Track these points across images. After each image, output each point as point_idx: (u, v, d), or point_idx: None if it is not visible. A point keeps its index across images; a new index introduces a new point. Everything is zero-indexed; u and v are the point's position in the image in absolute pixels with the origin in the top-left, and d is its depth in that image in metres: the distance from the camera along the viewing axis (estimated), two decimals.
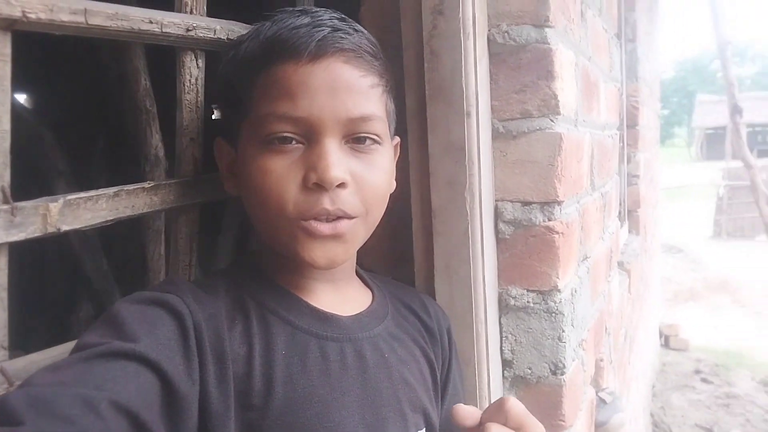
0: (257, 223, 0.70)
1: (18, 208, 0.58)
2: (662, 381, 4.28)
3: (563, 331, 0.89)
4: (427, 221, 0.89)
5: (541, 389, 0.89)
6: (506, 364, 0.91)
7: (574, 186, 0.99)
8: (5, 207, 0.57)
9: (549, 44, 0.88)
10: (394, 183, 0.76)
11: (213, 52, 0.80)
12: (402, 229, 0.94)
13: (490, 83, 0.91)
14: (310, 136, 0.64)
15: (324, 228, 0.64)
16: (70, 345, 0.59)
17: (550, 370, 0.89)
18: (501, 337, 0.91)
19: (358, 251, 0.74)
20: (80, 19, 0.61)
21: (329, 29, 0.65)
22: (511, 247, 0.91)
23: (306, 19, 0.66)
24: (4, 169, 0.58)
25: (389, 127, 0.73)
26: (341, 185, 0.64)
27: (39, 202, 0.60)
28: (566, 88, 0.95)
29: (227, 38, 0.79)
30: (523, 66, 0.90)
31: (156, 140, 1.76)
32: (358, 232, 0.68)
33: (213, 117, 0.81)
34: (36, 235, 0.60)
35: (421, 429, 0.70)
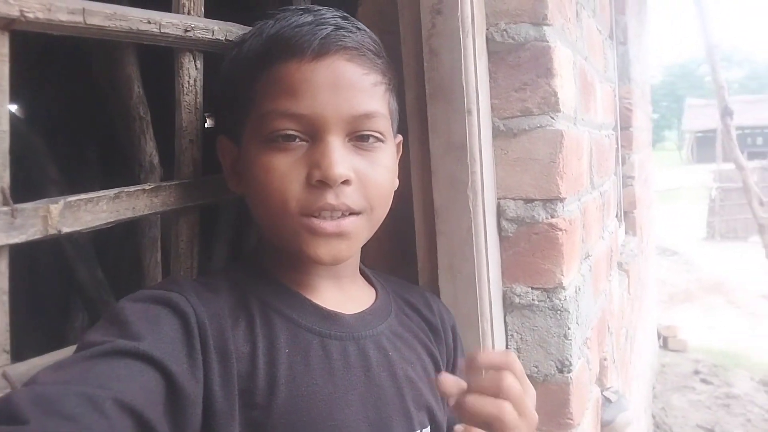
0: (261, 220, 0.70)
1: (18, 209, 0.57)
2: (662, 382, 4.28)
3: (569, 328, 0.88)
4: (430, 220, 0.89)
5: (548, 388, 0.89)
6: None
7: (575, 183, 0.99)
8: (5, 209, 0.56)
9: (548, 42, 0.89)
10: (397, 181, 0.76)
11: (211, 53, 0.80)
12: (405, 229, 0.93)
13: (490, 82, 0.91)
14: (313, 133, 0.64)
15: (328, 226, 0.64)
16: (72, 349, 0.58)
17: (557, 368, 0.88)
18: (506, 336, 0.90)
19: (361, 251, 0.74)
20: (78, 18, 0.61)
21: (332, 27, 0.66)
22: (514, 245, 0.90)
23: (309, 17, 0.66)
24: (3, 169, 0.57)
25: (392, 125, 0.73)
26: (345, 182, 0.64)
27: (39, 204, 0.59)
28: (565, 85, 0.95)
29: (225, 39, 0.79)
30: (522, 64, 0.90)
31: (150, 147, 1.74)
32: (362, 229, 0.68)
33: (206, 125, 0.81)
34: (37, 237, 0.59)
35: (426, 427, 0.70)
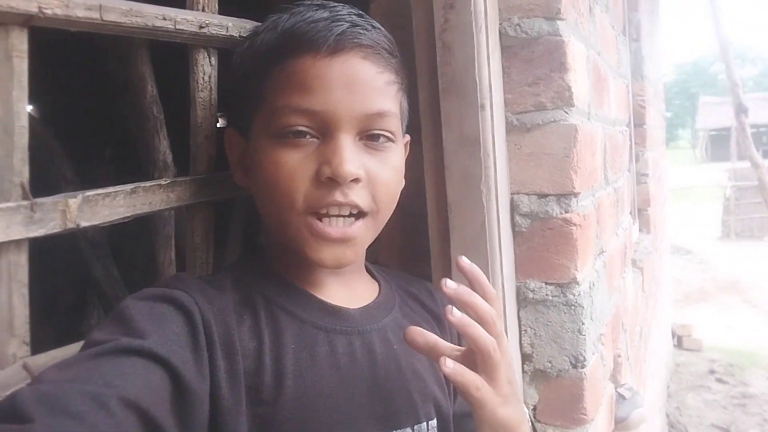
0: (266, 216, 0.70)
1: (38, 204, 0.58)
2: (677, 381, 4.24)
3: (583, 323, 0.88)
4: (443, 216, 0.89)
5: (561, 383, 0.88)
6: (526, 357, 0.90)
7: (589, 178, 0.99)
8: (25, 203, 0.57)
9: (561, 36, 0.88)
10: (404, 181, 0.76)
11: (225, 50, 0.80)
12: (418, 225, 0.93)
13: (503, 76, 0.90)
14: (325, 130, 0.64)
15: (333, 232, 0.64)
16: None
17: (571, 363, 0.88)
18: (520, 331, 0.90)
19: (374, 249, 0.74)
20: (95, 15, 0.61)
21: (348, 24, 0.65)
22: (528, 240, 0.90)
23: (325, 13, 0.66)
24: (22, 165, 0.58)
25: (402, 125, 0.72)
26: (354, 180, 0.64)
27: (58, 198, 0.60)
28: (579, 80, 0.95)
29: (239, 36, 0.79)
30: (535, 58, 0.89)
31: (164, 146, 1.76)
32: (367, 233, 0.68)
33: (218, 125, 0.81)
34: (56, 231, 0.60)
35: (432, 419, 0.70)
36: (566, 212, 0.88)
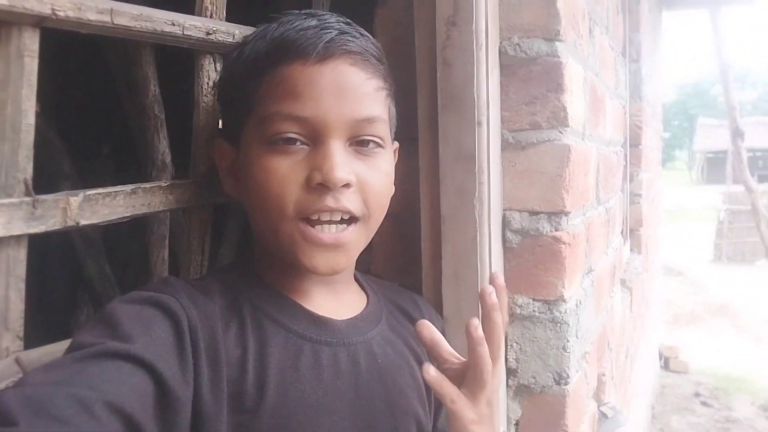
0: (257, 225, 0.70)
1: (39, 200, 0.59)
2: (662, 403, 4.25)
3: (568, 341, 0.89)
4: (436, 228, 0.90)
5: (544, 399, 0.90)
6: (510, 372, 0.91)
7: (580, 198, 1.01)
8: (27, 199, 0.58)
9: (559, 57, 0.90)
10: (393, 187, 0.76)
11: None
12: (411, 236, 0.95)
13: (501, 94, 0.92)
14: (315, 137, 0.64)
15: (325, 237, 0.64)
16: None
17: (554, 379, 0.89)
18: (506, 346, 0.91)
19: (366, 258, 0.74)
20: (106, 18, 0.63)
21: (337, 32, 0.66)
22: (518, 256, 0.92)
23: (313, 21, 0.67)
24: (27, 162, 0.59)
25: (390, 131, 0.73)
26: (345, 186, 0.64)
27: (60, 196, 0.61)
28: (575, 101, 0.97)
29: None
30: (533, 78, 0.91)
31: (164, 146, 1.78)
32: (360, 238, 0.68)
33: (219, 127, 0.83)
34: (56, 228, 0.61)
35: None
36: (556, 230, 0.90)
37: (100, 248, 2.02)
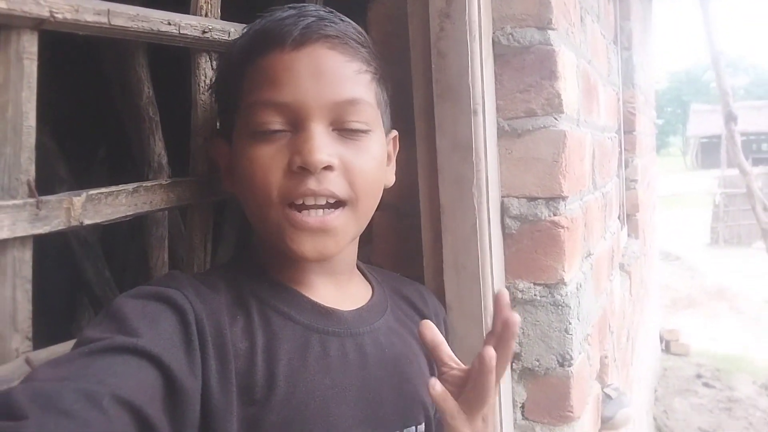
0: (251, 216, 0.70)
1: (43, 201, 0.60)
2: (664, 385, 4.28)
3: (569, 323, 0.91)
4: (436, 218, 0.91)
5: (549, 381, 0.91)
6: (514, 356, 0.92)
7: (577, 183, 1.02)
8: (31, 200, 0.59)
9: (552, 45, 0.91)
10: (392, 177, 0.76)
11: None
12: (411, 227, 0.95)
13: (495, 83, 0.93)
14: (296, 122, 0.65)
15: (311, 220, 0.64)
16: None
17: (558, 361, 0.90)
18: None
19: (367, 250, 0.75)
20: (103, 19, 0.64)
21: (314, 18, 0.67)
22: (517, 241, 0.93)
23: (292, 12, 0.68)
24: (29, 163, 0.60)
25: (381, 116, 0.72)
26: (328, 168, 0.64)
27: (63, 196, 0.62)
28: (569, 87, 0.97)
29: None
30: (527, 66, 0.92)
31: (159, 148, 1.78)
32: (349, 223, 0.67)
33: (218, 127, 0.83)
34: (60, 228, 0.62)
35: (421, 423, 0.71)
36: (554, 215, 0.91)
37: (98, 252, 2.02)
